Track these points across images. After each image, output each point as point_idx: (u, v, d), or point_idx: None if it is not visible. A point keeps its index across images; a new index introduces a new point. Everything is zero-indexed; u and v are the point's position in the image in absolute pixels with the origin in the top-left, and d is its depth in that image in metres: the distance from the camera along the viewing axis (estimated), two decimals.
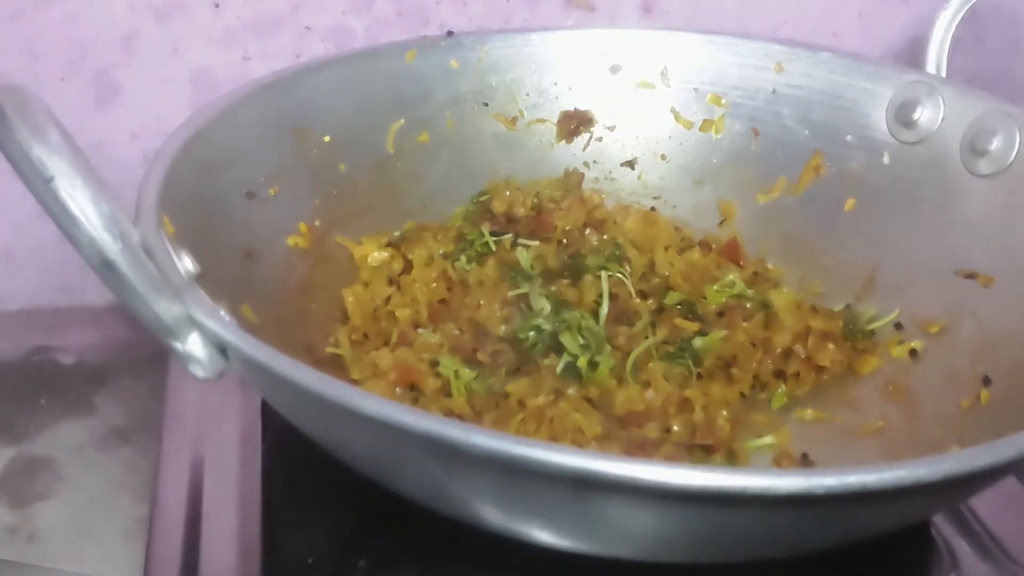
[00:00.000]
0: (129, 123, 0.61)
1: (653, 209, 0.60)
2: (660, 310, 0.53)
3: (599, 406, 0.47)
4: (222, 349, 0.37)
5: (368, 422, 0.33)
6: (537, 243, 0.56)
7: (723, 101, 0.60)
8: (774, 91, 0.59)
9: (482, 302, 0.52)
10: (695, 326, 0.52)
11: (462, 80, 0.59)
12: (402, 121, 0.58)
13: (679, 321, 0.52)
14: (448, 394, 0.47)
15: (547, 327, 0.50)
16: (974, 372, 0.47)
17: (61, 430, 0.54)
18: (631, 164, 0.62)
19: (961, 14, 0.58)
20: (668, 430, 0.46)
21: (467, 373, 0.48)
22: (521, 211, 0.57)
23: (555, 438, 0.45)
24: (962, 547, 0.45)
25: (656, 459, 0.43)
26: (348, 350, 0.50)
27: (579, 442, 0.45)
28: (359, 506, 0.45)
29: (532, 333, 0.50)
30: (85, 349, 0.60)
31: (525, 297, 0.52)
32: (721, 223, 0.59)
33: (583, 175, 0.61)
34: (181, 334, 0.37)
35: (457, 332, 0.50)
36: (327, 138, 0.55)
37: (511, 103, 0.60)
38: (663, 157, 0.61)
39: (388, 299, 0.52)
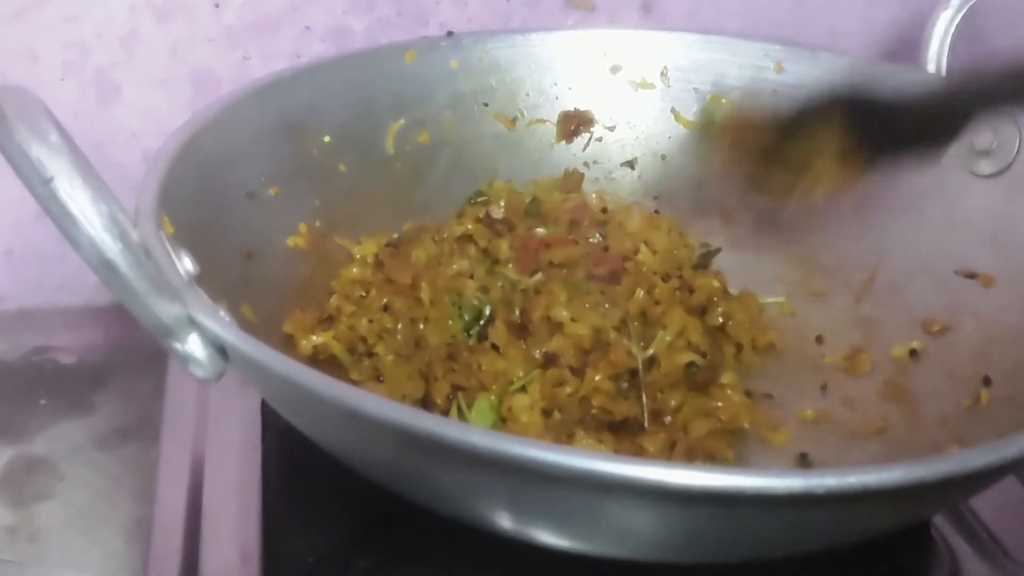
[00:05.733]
0: (129, 123, 0.61)
1: (656, 212, 0.60)
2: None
3: None
4: (222, 350, 0.37)
5: (368, 422, 0.33)
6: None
7: (723, 101, 0.60)
8: (774, 91, 0.59)
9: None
10: None
11: (462, 80, 0.59)
12: (402, 121, 0.58)
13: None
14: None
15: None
16: (974, 372, 0.47)
17: (61, 430, 0.54)
18: (631, 164, 0.62)
19: (961, 14, 0.58)
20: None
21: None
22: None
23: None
24: (962, 547, 0.45)
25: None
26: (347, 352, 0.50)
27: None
28: (359, 506, 0.45)
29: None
30: (85, 349, 0.60)
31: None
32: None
33: (583, 175, 0.61)
34: (181, 335, 0.37)
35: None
36: (327, 138, 0.55)
37: (511, 103, 0.60)
38: (663, 157, 0.61)
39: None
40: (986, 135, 0.52)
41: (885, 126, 0.49)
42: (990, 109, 0.49)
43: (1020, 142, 0.51)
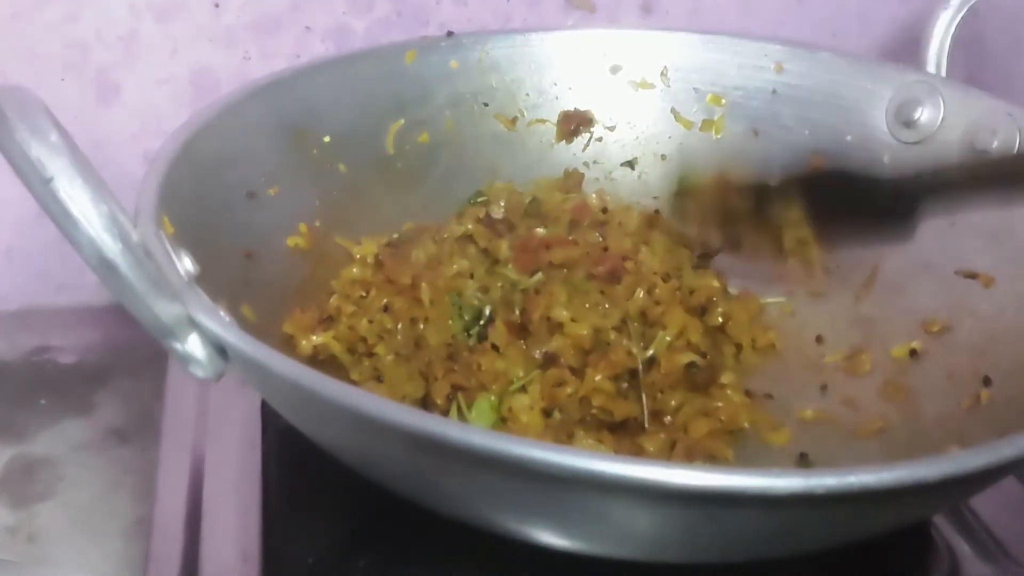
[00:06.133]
0: (129, 123, 0.61)
1: (657, 212, 0.60)
2: None
3: None
4: (222, 350, 0.37)
5: (368, 422, 0.33)
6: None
7: (723, 101, 0.60)
8: (774, 91, 0.59)
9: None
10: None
11: (462, 80, 0.59)
12: (402, 121, 0.58)
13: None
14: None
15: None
16: (974, 372, 0.47)
17: (61, 430, 0.54)
18: (631, 164, 0.62)
19: (961, 14, 0.58)
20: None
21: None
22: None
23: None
24: (962, 547, 0.45)
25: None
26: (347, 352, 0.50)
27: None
28: (359, 506, 0.45)
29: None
30: (85, 349, 0.60)
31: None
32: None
33: (583, 175, 0.61)
34: (181, 335, 0.37)
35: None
36: (327, 138, 0.55)
37: (511, 103, 0.60)
38: (663, 157, 0.61)
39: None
40: (986, 136, 0.52)
41: (847, 205, 0.53)
42: (944, 198, 0.52)
43: (1020, 142, 0.51)
